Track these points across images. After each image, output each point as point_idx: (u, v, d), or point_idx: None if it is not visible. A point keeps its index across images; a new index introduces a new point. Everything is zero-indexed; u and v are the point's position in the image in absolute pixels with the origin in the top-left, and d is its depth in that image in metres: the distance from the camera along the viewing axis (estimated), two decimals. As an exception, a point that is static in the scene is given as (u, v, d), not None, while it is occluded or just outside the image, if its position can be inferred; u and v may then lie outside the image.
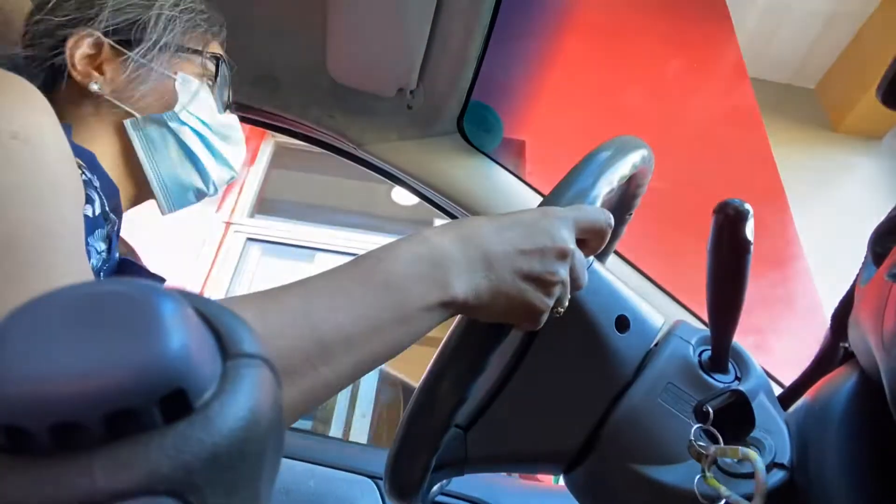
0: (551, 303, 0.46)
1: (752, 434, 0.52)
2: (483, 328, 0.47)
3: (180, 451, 0.16)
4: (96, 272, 0.57)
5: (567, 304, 0.49)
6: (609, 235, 0.51)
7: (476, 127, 1.08)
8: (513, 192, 1.06)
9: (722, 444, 0.49)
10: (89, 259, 0.54)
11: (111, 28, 0.67)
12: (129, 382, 0.16)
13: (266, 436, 0.19)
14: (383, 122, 1.06)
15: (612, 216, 0.51)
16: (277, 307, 0.36)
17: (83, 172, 0.58)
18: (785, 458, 0.51)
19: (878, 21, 3.21)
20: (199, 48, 0.73)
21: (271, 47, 1.01)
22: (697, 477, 0.50)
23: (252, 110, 1.06)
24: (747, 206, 0.50)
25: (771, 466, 0.51)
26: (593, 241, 0.50)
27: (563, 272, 0.46)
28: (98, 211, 0.58)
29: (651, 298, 0.95)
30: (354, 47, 0.96)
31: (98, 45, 0.67)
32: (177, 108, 0.70)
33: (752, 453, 0.46)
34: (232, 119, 0.77)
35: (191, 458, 0.16)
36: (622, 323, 0.59)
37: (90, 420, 0.16)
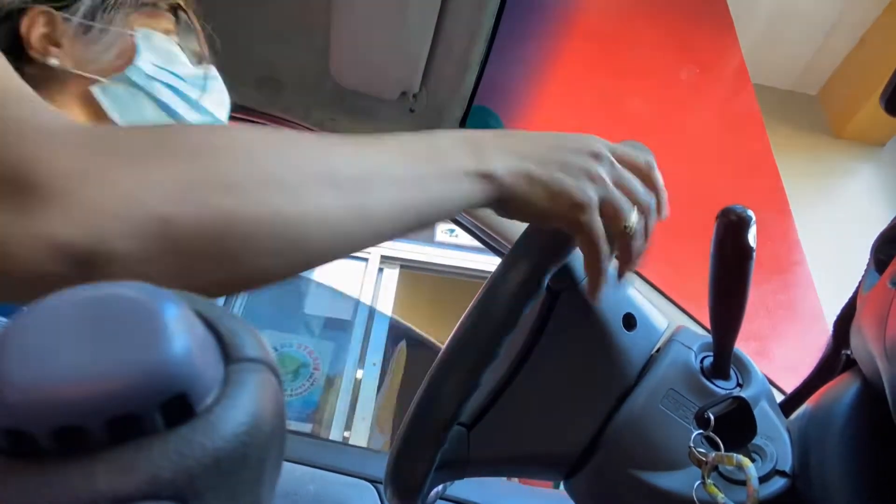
0: (591, 195, 0.46)
1: (753, 441, 0.51)
2: (491, 320, 0.47)
3: (183, 455, 0.16)
4: None
5: (634, 222, 0.49)
6: (653, 175, 0.51)
7: (478, 131, 1.08)
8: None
9: (722, 451, 0.49)
10: None
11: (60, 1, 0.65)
12: (131, 387, 0.16)
13: (268, 440, 0.19)
14: (386, 125, 1.06)
15: (653, 161, 0.51)
16: (330, 138, 0.40)
17: None
18: (786, 465, 0.51)
19: (881, 28, 3.21)
20: (153, 2, 0.71)
21: (274, 50, 1.01)
22: (697, 483, 0.50)
23: (254, 113, 1.06)
24: (750, 212, 0.50)
25: (773, 474, 0.51)
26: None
27: (600, 170, 0.47)
28: None
29: (653, 304, 0.94)
30: (358, 50, 0.96)
31: (51, 22, 0.65)
32: (139, 62, 0.67)
33: (746, 461, 0.46)
34: (208, 69, 0.75)
35: (193, 462, 0.16)
36: (629, 321, 0.59)
37: (93, 424, 0.16)
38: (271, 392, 0.19)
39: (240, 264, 0.34)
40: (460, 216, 1.04)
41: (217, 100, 0.75)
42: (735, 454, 0.47)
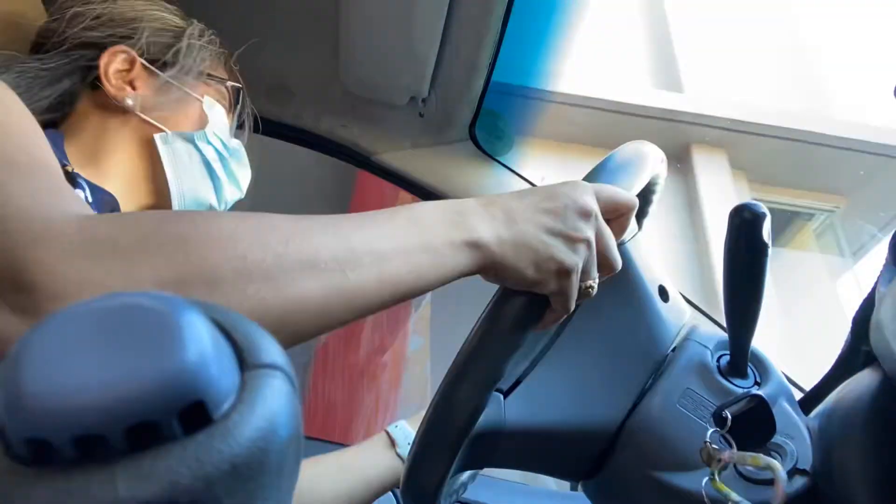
0: (578, 260, 0.46)
1: (773, 439, 0.51)
2: (503, 329, 0.47)
3: (200, 462, 0.16)
4: None
5: (596, 281, 0.49)
6: (632, 215, 0.51)
7: (488, 134, 1.08)
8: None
9: (736, 450, 0.48)
10: None
11: (146, 48, 0.71)
12: (149, 395, 0.16)
13: (285, 446, 0.19)
14: (396, 130, 1.06)
15: (635, 198, 0.51)
16: (310, 220, 0.39)
17: (71, 168, 0.61)
18: (807, 463, 0.51)
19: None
20: (222, 77, 0.79)
21: (284, 58, 1.02)
22: (705, 479, 0.49)
23: (265, 121, 1.07)
24: (763, 207, 0.50)
25: (793, 472, 0.50)
26: (617, 221, 0.51)
27: (588, 231, 0.47)
28: (91, 200, 0.61)
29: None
30: (366, 56, 0.96)
31: (130, 62, 0.70)
32: (207, 129, 0.74)
33: (775, 464, 0.45)
34: (239, 144, 0.82)
35: (211, 469, 0.16)
36: (663, 292, 0.59)
37: (112, 432, 0.16)
38: (287, 398, 0.19)
39: None
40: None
41: (245, 173, 0.82)
42: (762, 455, 0.47)
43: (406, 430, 0.83)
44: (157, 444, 0.16)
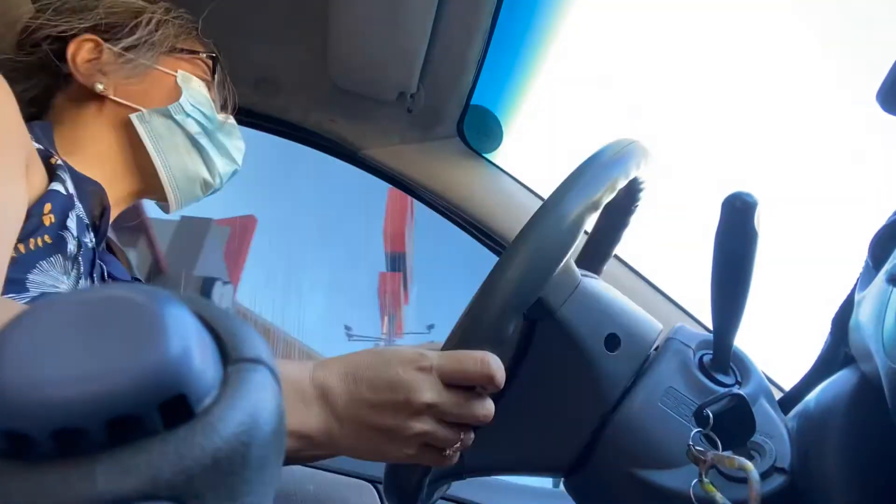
0: (411, 451, 0.48)
1: (752, 438, 0.52)
2: (482, 327, 0.47)
3: (182, 456, 0.16)
4: (72, 257, 0.58)
5: (458, 444, 0.49)
6: (495, 380, 0.48)
7: (476, 131, 1.08)
8: (513, 195, 1.06)
9: (720, 450, 0.49)
10: (65, 241, 0.57)
11: (108, 31, 0.71)
12: (130, 388, 0.16)
13: (268, 441, 0.19)
14: (384, 125, 1.06)
15: (491, 359, 0.47)
16: None
17: (58, 160, 0.61)
18: (785, 462, 0.51)
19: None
20: (196, 50, 0.77)
21: (272, 51, 1.02)
22: (694, 481, 0.50)
23: (253, 114, 1.06)
24: (755, 196, 0.50)
25: (772, 471, 0.51)
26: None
27: (421, 426, 0.46)
28: (73, 192, 0.60)
29: (651, 303, 0.94)
30: (355, 51, 0.96)
31: (98, 49, 0.70)
32: (181, 101, 0.72)
33: (748, 464, 0.46)
34: (230, 118, 0.80)
35: (192, 463, 0.16)
36: (612, 341, 0.57)
37: (92, 426, 0.16)
38: (270, 392, 0.19)
39: None
40: (454, 212, 1.04)
41: (237, 144, 0.81)
42: (736, 456, 0.47)
43: None
44: (138, 437, 0.16)
